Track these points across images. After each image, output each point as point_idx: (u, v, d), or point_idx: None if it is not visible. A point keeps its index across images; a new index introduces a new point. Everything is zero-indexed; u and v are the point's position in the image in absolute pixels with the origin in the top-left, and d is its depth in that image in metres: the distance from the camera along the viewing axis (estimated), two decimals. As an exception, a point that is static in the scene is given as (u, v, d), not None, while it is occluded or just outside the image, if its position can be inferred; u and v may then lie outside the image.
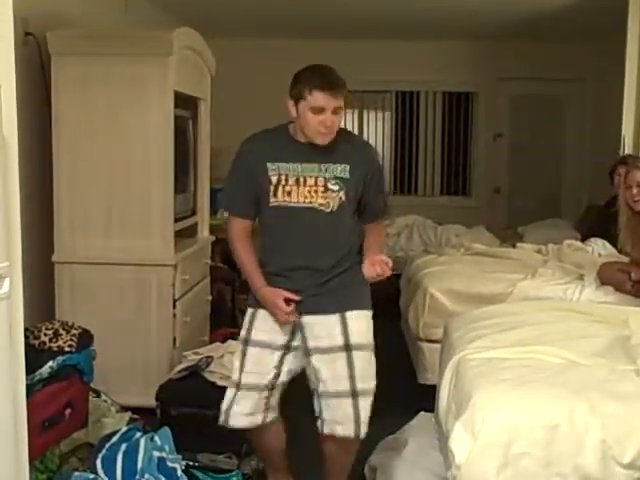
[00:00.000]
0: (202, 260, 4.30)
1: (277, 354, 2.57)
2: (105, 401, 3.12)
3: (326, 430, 2.55)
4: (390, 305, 4.80)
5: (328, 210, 2.50)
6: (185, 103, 3.97)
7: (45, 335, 2.72)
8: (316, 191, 2.49)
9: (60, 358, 2.66)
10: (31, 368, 2.40)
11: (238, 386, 2.57)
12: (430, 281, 4.09)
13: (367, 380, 2.54)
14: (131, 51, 3.56)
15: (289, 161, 2.50)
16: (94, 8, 4.32)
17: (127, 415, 3.14)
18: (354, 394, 2.50)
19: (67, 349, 2.71)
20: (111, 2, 4.63)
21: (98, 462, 2.53)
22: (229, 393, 2.59)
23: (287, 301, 2.52)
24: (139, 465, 2.51)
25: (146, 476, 2.49)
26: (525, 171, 7.27)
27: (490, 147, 7.29)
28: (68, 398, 2.71)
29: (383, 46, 6.80)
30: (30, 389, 2.38)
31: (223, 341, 3.51)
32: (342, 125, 2.55)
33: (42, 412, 2.54)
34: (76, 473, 2.56)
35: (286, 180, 2.49)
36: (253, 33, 6.51)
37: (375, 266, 2.49)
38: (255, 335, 2.58)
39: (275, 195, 2.51)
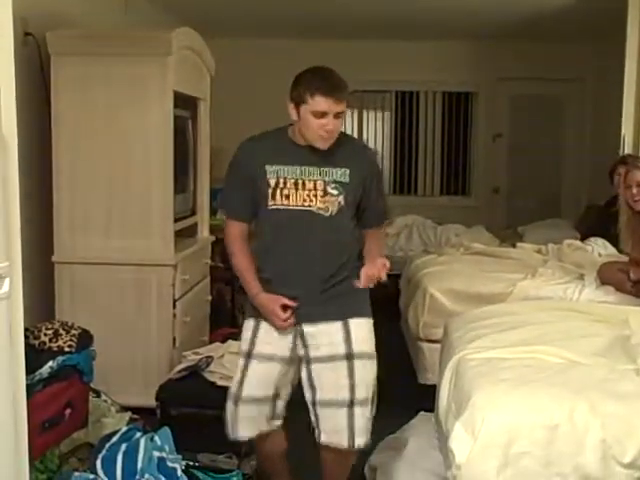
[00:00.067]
0: (202, 260, 4.30)
1: (282, 365, 2.53)
2: (105, 401, 3.12)
3: (322, 440, 2.53)
4: (390, 305, 4.80)
5: (327, 214, 2.46)
6: (185, 103, 3.97)
7: (45, 335, 2.71)
8: (315, 195, 2.45)
9: (60, 358, 2.66)
10: (31, 368, 2.39)
11: (238, 399, 2.52)
12: (430, 281, 4.09)
13: (366, 389, 2.50)
14: (130, 51, 3.56)
15: (288, 164, 2.46)
16: (94, 8, 4.32)
17: (127, 415, 3.14)
18: (351, 404, 2.47)
19: (67, 349, 2.71)
20: (111, 2, 4.63)
21: (98, 462, 2.53)
22: (230, 406, 2.54)
23: (284, 307, 2.48)
24: (139, 465, 2.51)
25: (146, 476, 2.48)
26: (525, 171, 7.27)
27: (490, 147, 7.29)
28: (68, 398, 2.71)
29: (383, 46, 6.80)
30: (30, 389, 2.38)
31: (223, 341, 3.51)
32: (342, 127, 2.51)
33: (42, 412, 2.53)
34: (76, 473, 2.56)
35: (285, 183, 2.45)
36: (253, 33, 6.51)
37: (374, 267, 2.42)
38: (259, 348, 2.53)
39: (273, 198, 2.46)
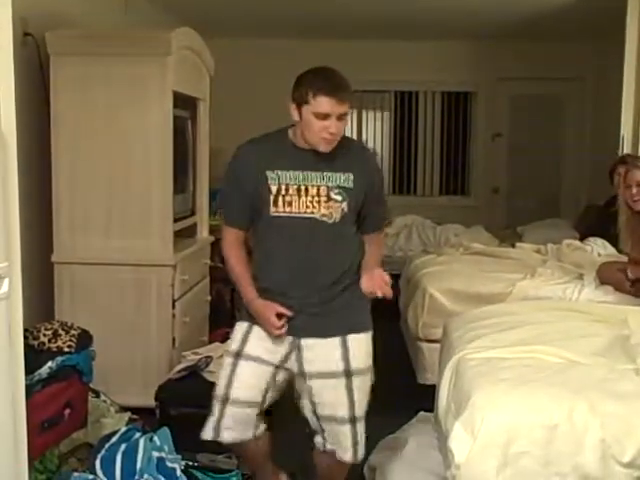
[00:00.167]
0: (201, 260, 4.30)
1: (270, 371, 2.46)
2: (104, 401, 3.12)
3: (328, 448, 2.51)
4: (389, 305, 4.78)
5: (330, 221, 2.39)
6: (184, 103, 3.97)
7: (44, 335, 2.71)
8: (318, 201, 2.37)
9: (59, 358, 2.66)
10: (30, 368, 2.40)
11: (226, 400, 2.46)
12: (429, 281, 4.09)
13: (365, 405, 2.49)
14: (130, 51, 3.56)
15: (290, 169, 2.37)
16: (94, 8, 4.32)
17: (126, 415, 3.14)
18: (352, 420, 2.45)
19: (66, 349, 2.71)
20: (111, 2, 4.63)
21: (97, 462, 2.53)
22: (216, 407, 2.48)
23: (279, 316, 2.41)
24: (138, 465, 2.51)
25: (145, 476, 2.48)
26: (524, 171, 7.27)
27: (489, 147, 7.29)
28: (67, 398, 2.71)
29: (383, 46, 6.80)
30: (29, 389, 2.38)
31: (222, 341, 3.50)
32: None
33: (41, 412, 2.54)
34: (75, 473, 2.56)
35: (287, 190, 2.36)
36: (253, 33, 6.51)
37: (373, 281, 2.40)
38: (250, 349, 2.45)
39: (275, 205, 2.37)
